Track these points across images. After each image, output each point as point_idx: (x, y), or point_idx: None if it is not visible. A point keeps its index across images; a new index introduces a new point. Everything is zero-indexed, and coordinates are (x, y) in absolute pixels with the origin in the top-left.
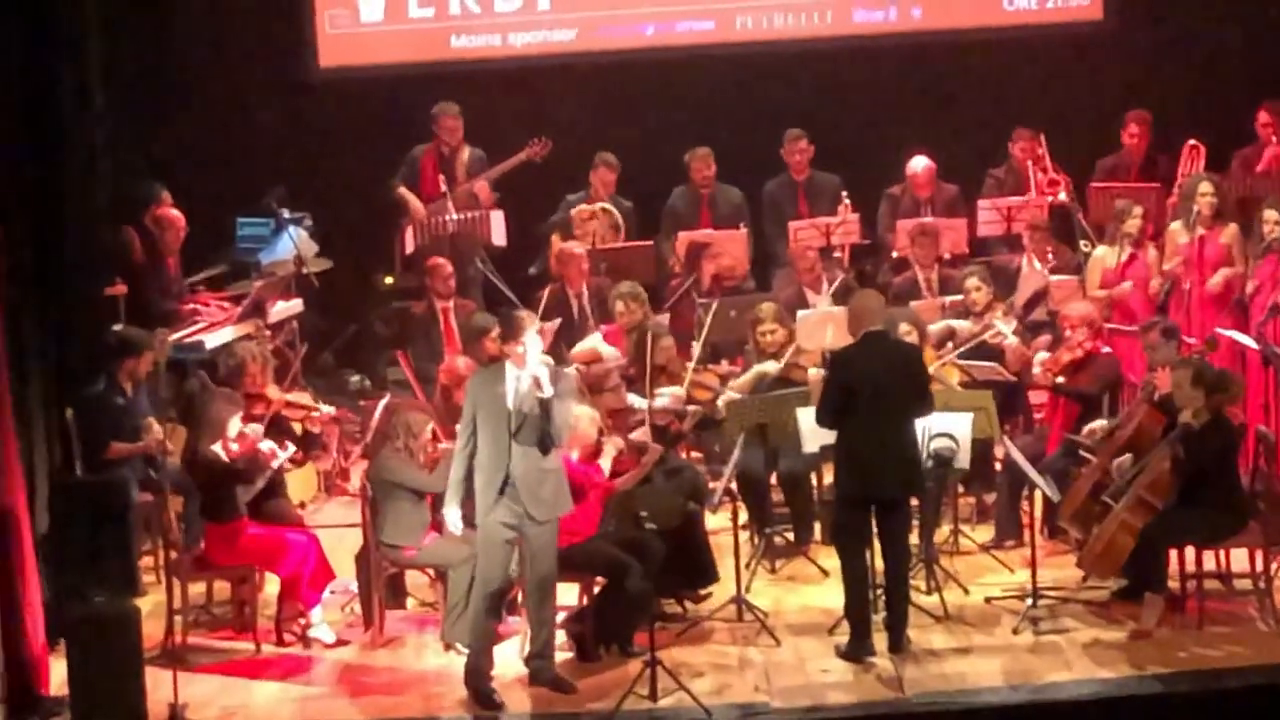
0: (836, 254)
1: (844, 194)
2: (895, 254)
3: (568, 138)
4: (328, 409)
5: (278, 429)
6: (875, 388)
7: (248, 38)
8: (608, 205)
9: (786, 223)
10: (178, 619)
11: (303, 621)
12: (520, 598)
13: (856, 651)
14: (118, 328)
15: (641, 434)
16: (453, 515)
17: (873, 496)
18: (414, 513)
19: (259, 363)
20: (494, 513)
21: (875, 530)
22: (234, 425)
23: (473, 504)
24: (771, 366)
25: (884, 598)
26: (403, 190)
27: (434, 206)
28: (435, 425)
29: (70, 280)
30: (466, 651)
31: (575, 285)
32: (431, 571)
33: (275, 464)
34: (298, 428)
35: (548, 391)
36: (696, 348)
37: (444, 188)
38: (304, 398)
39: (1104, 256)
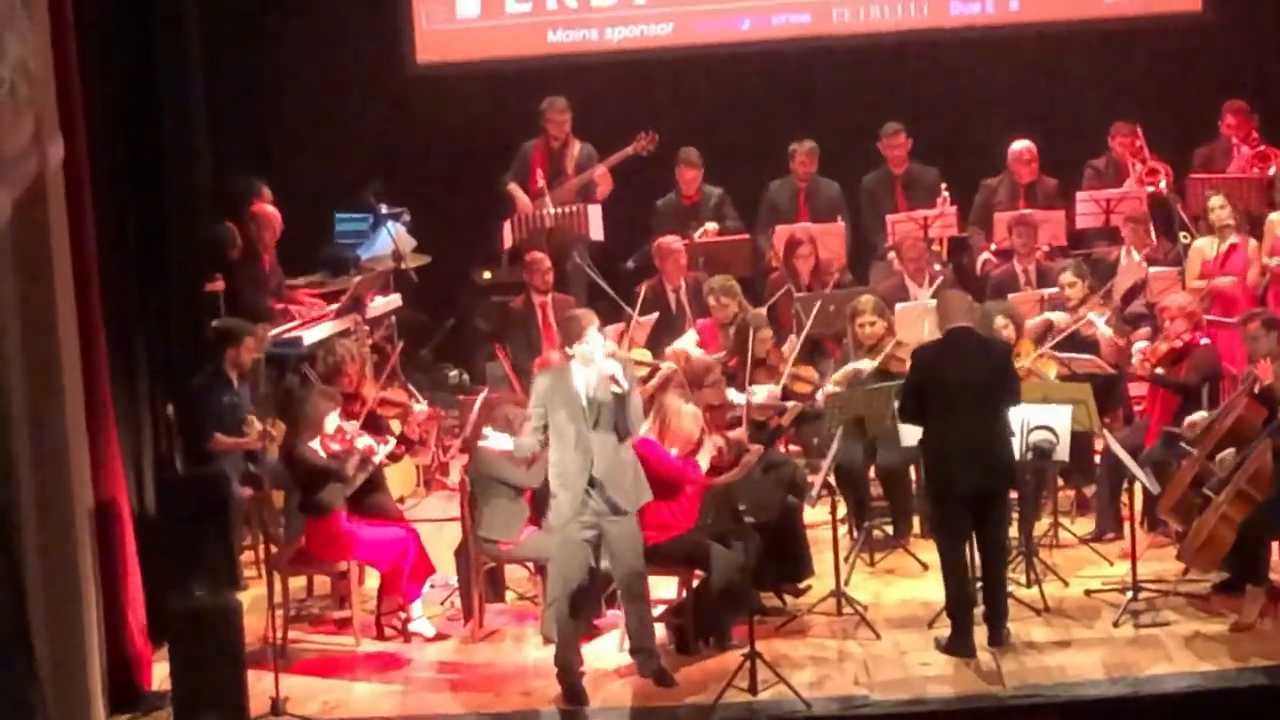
0: (935, 247)
1: (942, 186)
2: (994, 245)
3: (663, 131)
4: (422, 408)
5: (375, 425)
6: (958, 384)
7: (346, 34)
8: None
9: (884, 216)
10: (278, 613)
11: (403, 615)
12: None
13: (957, 647)
14: (216, 322)
15: (740, 432)
16: (501, 438)
17: (960, 493)
18: (511, 507)
19: (357, 362)
20: (574, 514)
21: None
22: (332, 421)
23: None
24: (866, 364)
25: (982, 592)
26: (512, 186)
27: (536, 202)
28: None
29: (172, 276)
30: None
31: (673, 280)
32: (531, 565)
33: (374, 460)
34: (395, 425)
35: (625, 385)
36: (795, 341)
37: (541, 182)
38: (400, 395)
39: (1204, 248)
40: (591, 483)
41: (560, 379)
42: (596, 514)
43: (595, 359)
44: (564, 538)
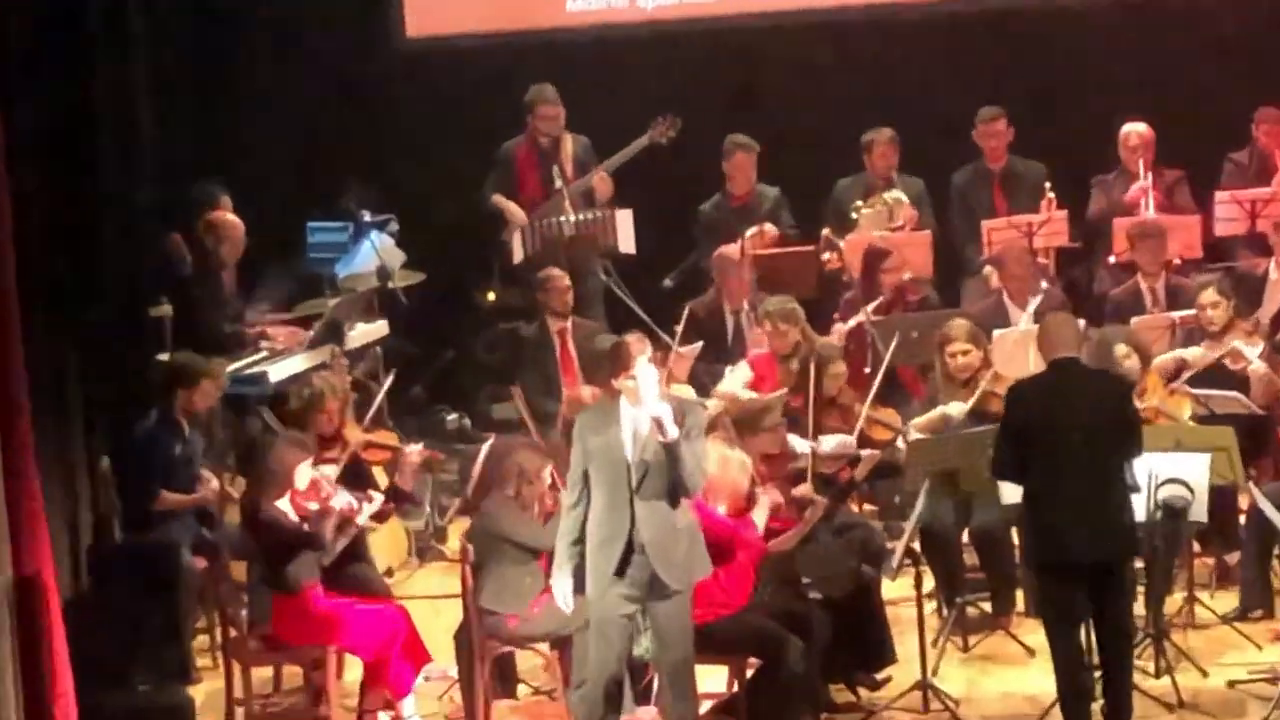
0: (1040, 259)
1: (1047, 186)
2: (1113, 257)
3: (706, 121)
4: (416, 447)
5: (359, 478)
6: (1063, 430)
7: (321, 6)
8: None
9: (979, 221)
10: (239, 711)
11: (392, 714)
12: (655, 684)
13: None
14: (164, 356)
15: (805, 488)
16: (563, 586)
17: (1067, 564)
18: (522, 573)
19: (339, 398)
20: (612, 585)
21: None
22: (303, 475)
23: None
24: (956, 408)
25: (1101, 684)
26: (498, 198)
27: (545, 208)
28: (555, 470)
29: (109, 301)
30: None
31: (734, 299)
32: (546, 649)
33: (356, 521)
34: (381, 477)
35: (672, 434)
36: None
37: (559, 183)
38: (389, 438)
39: None
40: (632, 549)
41: (600, 420)
42: (639, 587)
43: (645, 398)
44: (600, 616)
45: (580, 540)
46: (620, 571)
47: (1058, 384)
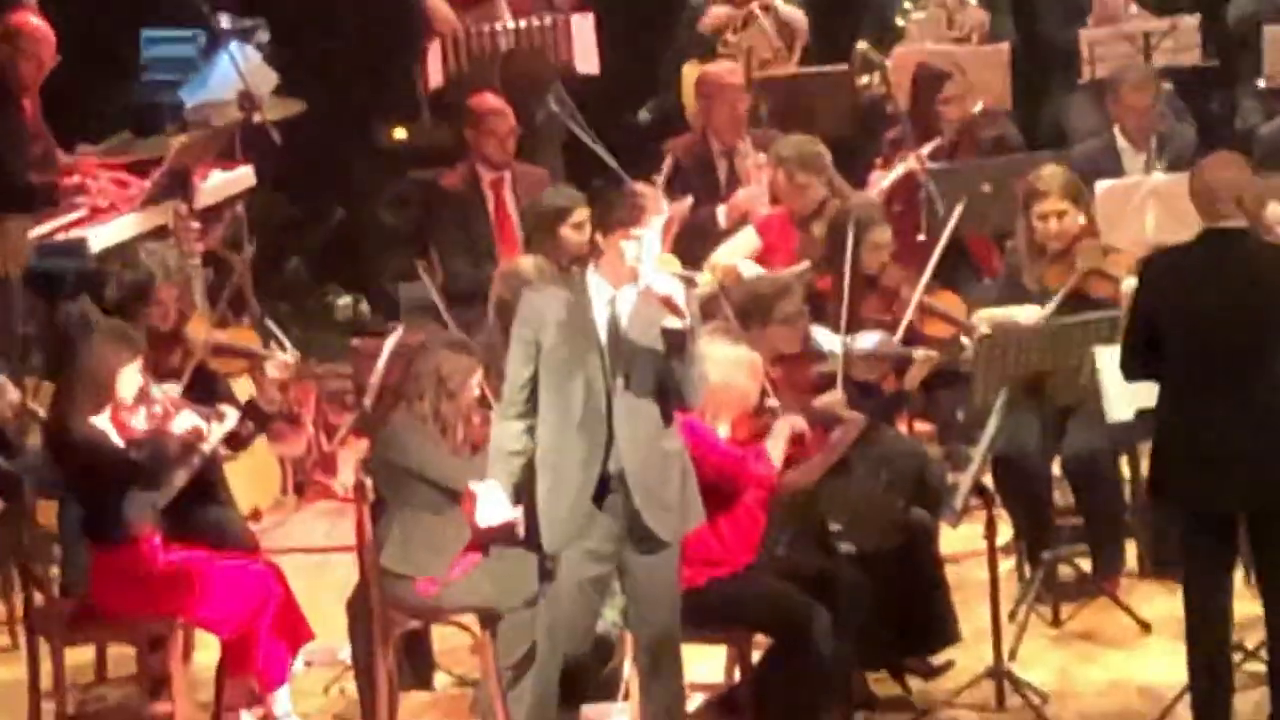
0: (1166, 85)
1: None
2: (1261, 81)
3: None
4: (286, 358)
5: (209, 388)
6: (1213, 324)
7: None
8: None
9: (1078, 20)
10: (48, 707)
11: (259, 711)
12: (626, 670)
13: None
14: None
15: (833, 397)
16: (493, 492)
17: (1220, 505)
18: (440, 522)
19: (176, 281)
20: (581, 535)
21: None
22: (130, 381)
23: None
24: (1030, 314)
25: (1267, 669)
26: None
27: (478, 12)
28: (484, 379)
29: None
30: None
31: (726, 137)
32: (473, 623)
33: (206, 446)
34: (243, 388)
35: (687, 318)
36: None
37: None
38: (248, 338)
39: None
40: (607, 485)
41: (561, 299)
42: (613, 539)
43: (645, 271)
44: (560, 574)
45: (523, 454)
46: (589, 517)
47: (1211, 262)
